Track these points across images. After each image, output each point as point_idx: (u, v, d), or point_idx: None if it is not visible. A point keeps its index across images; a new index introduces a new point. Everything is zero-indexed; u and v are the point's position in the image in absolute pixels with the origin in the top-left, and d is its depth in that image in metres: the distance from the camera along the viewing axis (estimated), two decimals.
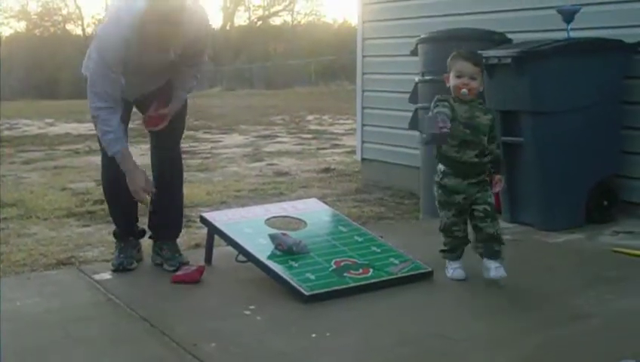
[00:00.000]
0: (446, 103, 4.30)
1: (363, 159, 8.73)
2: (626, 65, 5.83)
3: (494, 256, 4.38)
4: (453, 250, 4.52)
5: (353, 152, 9.57)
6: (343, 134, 13.99)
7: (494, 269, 4.35)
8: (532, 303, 4.13)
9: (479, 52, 5.05)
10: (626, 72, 5.84)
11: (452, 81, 4.35)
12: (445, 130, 4.07)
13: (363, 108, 8.65)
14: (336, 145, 12.48)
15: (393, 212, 6.98)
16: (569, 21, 5.83)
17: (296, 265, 4.44)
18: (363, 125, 8.66)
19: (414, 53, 6.75)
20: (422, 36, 6.69)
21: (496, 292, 4.33)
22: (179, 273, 4.62)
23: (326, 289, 4.22)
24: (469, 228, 4.51)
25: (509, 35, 6.47)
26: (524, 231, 5.64)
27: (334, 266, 4.46)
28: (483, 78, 4.45)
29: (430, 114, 4.21)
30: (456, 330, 3.71)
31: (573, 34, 5.85)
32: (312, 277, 4.32)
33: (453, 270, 4.51)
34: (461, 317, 3.96)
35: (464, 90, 4.31)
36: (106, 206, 5.29)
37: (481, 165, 4.39)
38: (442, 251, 4.56)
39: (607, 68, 5.75)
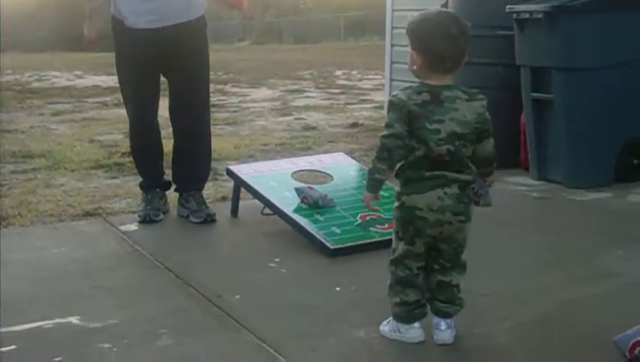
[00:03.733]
0: None
1: None
2: None
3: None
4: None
5: (381, 107, 9.49)
6: (372, 89, 13.88)
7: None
8: (558, 261, 4.09)
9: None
10: None
11: None
12: None
13: (392, 63, 8.58)
14: (364, 101, 12.39)
15: None
16: None
17: (321, 218, 4.43)
18: (391, 80, 8.59)
19: (446, 5, 6.65)
20: None
21: (521, 249, 4.31)
22: None
23: (351, 244, 4.22)
24: None
25: None
26: (552, 189, 5.59)
27: (360, 220, 4.44)
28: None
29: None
30: (482, 285, 3.66)
31: None
32: (338, 231, 4.31)
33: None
34: (486, 274, 3.90)
35: None
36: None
37: None
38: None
39: None
